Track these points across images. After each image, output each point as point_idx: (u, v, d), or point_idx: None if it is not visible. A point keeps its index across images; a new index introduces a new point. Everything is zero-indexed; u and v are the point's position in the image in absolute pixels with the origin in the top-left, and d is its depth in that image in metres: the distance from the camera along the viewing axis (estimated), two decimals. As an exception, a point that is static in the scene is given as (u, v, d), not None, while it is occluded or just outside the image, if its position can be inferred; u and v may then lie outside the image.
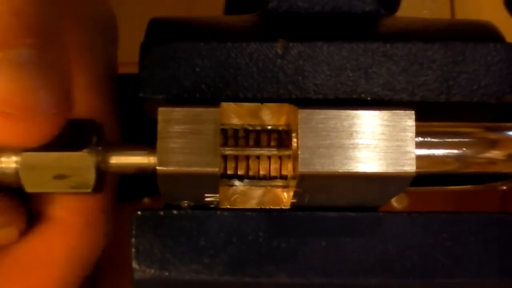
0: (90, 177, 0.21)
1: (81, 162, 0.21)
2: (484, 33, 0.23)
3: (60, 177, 0.21)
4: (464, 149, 0.22)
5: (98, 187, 0.22)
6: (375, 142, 0.20)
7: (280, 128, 0.22)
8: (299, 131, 0.20)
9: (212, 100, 0.21)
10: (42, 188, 0.21)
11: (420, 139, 0.22)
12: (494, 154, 0.23)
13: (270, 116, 0.22)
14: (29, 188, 0.21)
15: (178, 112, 0.20)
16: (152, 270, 0.22)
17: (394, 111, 0.20)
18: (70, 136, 0.21)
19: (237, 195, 0.22)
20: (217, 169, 0.20)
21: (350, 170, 0.20)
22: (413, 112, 0.20)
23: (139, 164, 0.22)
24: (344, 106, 0.20)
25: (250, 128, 0.22)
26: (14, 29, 0.19)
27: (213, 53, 0.22)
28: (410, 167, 0.20)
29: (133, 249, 0.22)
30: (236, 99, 0.22)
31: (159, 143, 0.20)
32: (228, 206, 0.22)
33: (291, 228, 0.22)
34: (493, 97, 0.22)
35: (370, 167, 0.20)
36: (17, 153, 0.21)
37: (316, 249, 0.22)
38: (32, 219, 0.24)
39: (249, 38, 0.22)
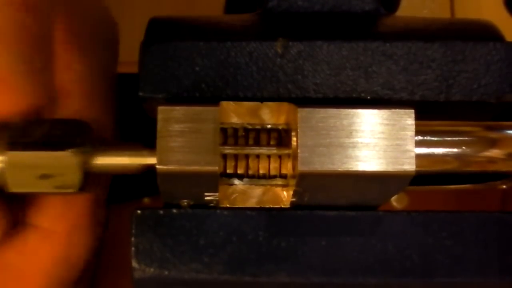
0: (75, 177, 0.21)
1: (65, 162, 0.21)
2: (483, 33, 0.23)
3: (45, 176, 0.21)
4: (464, 148, 0.22)
5: (84, 187, 0.21)
6: (374, 141, 0.20)
7: (280, 127, 0.22)
8: (298, 130, 0.20)
9: (212, 99, 0.21)
10: (27, 188, 0.21)
11: (420, 138, 0.22)
12: (494, 153, 0.23)
13: (270, 115, 0.22)
14: (14, 188, 0.21)
15: (178, 111, 0.20)
16: (152, 269, 0.22)
17: (393, 110, 0.20)
18: (56, 135, 0.21)
19: (237, 194, 0.22)
20: (216, 168, 0.20)
21: (350, 169, 0.20)
22: (412, 111, 0.20)
23: (126, 165, 0.22)
24: (344, 105, 0.20)
25: (250, 127, 0.22)
26: None
27: (213, 52, 0.22)
28: (409, 166, 0.20)
29: (133, 248, 0.22)
30: (235, 98, 0.22)
31: (159, 142, 0.20)
32: (228, 205, 0.22)
33: (290, 227, 0.22)
34: (492, 96, 0.22)
35: (369, 166, 0.20)
36: (2, 152, 0.21)
37: (315, 248, 0.22)
38: (16, 227, 0.24)
39: (249, 37, 0.22)
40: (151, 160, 0.21)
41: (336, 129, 0.20)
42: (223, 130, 0.21)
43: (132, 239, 0.22)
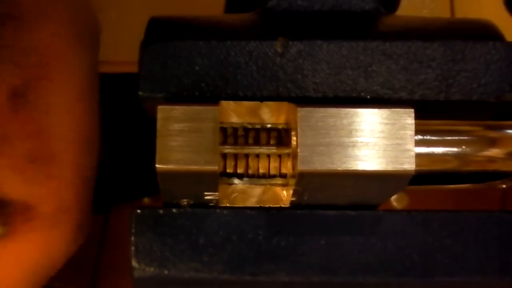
0: None
1: None
2: (483, 32, 0.23)
3: None
4: (464, 147, 0.22)
5: None
6: (374, 140, 0.20)
7: (280, 127, 0.22)
8: (298, 129, 0.20)
9: (212, 98, 0.21)
10: None
11: (420, 137, 0.22)
12: (494, 152, 0.23)
13: (270, 114, 0.22)
14: None
15: (178, 110, 0.20)
16: (152, 269, 0.22)
17: (393, 109, 0.20)
18: None
19: (237, 194, 0.22)
20: (216, 167, 0.20)
21: (350, 168, 0.20)
22: (412, 110, 0.20)
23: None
24: (344, 104, 0.20)
25: (250, 126, 0.22)
26: None
27: (213, 52, 0.22)
28: (409, 165, 0.20)
29: (133, 248, 0.22)
30: (235, 97, 0.22)
31: (159, 141, 0.20)
32: (228, 205, 0.22)
33: (290, 226, 0.22)
34: (492, 95, 0.22)
35: (369, 165, 0.20)
36: None
37: (315, 247, 0.22)
38: None
39: (249, 36, 0.22)
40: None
41: (336, 128, 0.20)
42: (223, 130, 0.21)
43: (132, 238, 0.22)
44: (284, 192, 0.22)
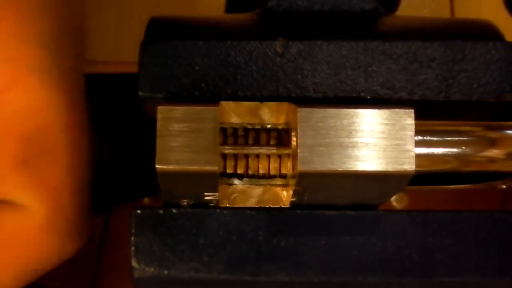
0: None
1: None
2: (483, 32, 0.23)
3: None
4: (464, 147, 0.22)
5: None
6: (374, 140, 0.20)
7: (280, 127, 0.22)
8: (298, 130, 0.20)
9: (212, 98, 0.21)
10: None
11: (420, 137, 0.22)
12: (494, 152, 0.23)
13: (270, 114, 0.22)
14: None
15: (178, 110, 0.20)
16: (152, 269, 0.22)
17: (393, 110, 0.20)
18: None
19: (237, 194, 0.22)
20: (216, 167, 0.20)
21: (349, 169, 0.20)
22: (412, 110, 0.20)
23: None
24: (344, 104, 0.20)
25: (250, 126, 0.22)
26: None
27: (213, 52, 0.22)
28: (409, 166, 0.20)
29: (133, 248, 0.22)
30: (235, 97, 0.22)
31: (159, 142, 0.20)
32: (228, 205, 0.22)
33: (290, 226, 0.22)
34: (492, 95, 0.22)
35: (369, 166, 0.20)
36: None
37: (315, 247, 0.22)
38: None
39: (249, 36, 0.22)
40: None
41: (336, 128, 0.20)
42: (223, 130, 0.21)
43: (132, 238, 0.22)
44: (284, 192, 0.22)
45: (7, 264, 0.24)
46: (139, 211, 0.22)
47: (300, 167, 0.20)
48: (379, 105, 0.20)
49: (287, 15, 0.23)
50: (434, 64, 0.22)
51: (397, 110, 0.20)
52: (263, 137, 0.22)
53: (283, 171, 0.22)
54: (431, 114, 0.22)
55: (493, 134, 0.23)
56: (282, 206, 0.22)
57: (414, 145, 0.20)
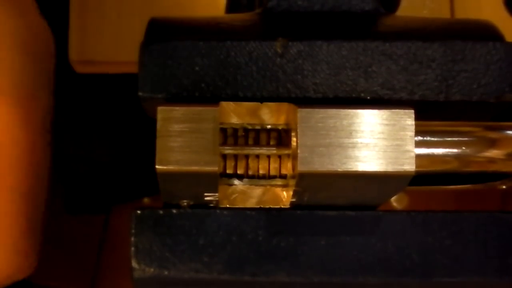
0: None
1: None
2: (483, 32, 0.23)
3: None
4: (464, 148, 0.22)
5: None
6: (374, 141, 0.20)
7: (280, 127, 0.22)
8: (298, 130, 0.20)
9: (212, 99, 0.21)
10: None
11: (420, 138, 0.22)
12: (494, 153, 0.23)
13: (270, 115, 0.22)
14: None
15: (178, 111, 0.20)
16: (152, 269, 0.22)
17: (393, 110, 0.20)
18: None
19: (237, 194, 0.22)
20: (216, 168, 0.20)
21: (350, 169, 0.20)
22: (412, 111, 0.20)
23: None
24: (344, 105, 0.20)
25: (250, 127, 0.22)
26: None
27: (213, 52, 0.22)
28: (409, 166, 0.20)
29: (133, 248, 0.22)
30: (235, 98, 0.22)
31: (159, 142, 0.20)
32: (228, 205, 0.22)
33: (290, 227, 0.22)
34: (492, 96, 0.22)
35: (369, 166, 0.20)
36: None
37: (315, 247, 0.22)
38: None
39: (249, 37, 0.22)
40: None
41: (336, 129, 0.20)
42: (223, 130, 0.21)
43: (132, 238, 0.22)
44: (284, 193, 0.22)
45: None
46: (139, 211, 0.22)
47: (300, 168, 0.20)
48: (379, 105, 0.20)
49: (287, 15, 0.23)
50: (434, 65, 0.22)
51: (397, 110, 0.20)
52: (263, 137, 0.22)
53: (283, 171, 0.22)
54: (431, 114, 0.22)
55: (493, 135, 0.23)
56: (282, 206, 0.22)
57: (414, 145, 0.20)
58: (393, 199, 0.32)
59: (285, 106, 0.21)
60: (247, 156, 0.22)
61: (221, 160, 0.21)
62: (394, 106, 0.20)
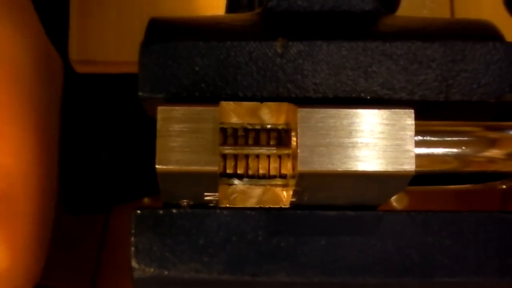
0: None
1: None
2: (483, 32, 0.23)
3: None
4: (464, 148, 0.22)
5: None
6: (374, 141, 0.20)
7: (280, 127, 0.22)
8: (298, 130, 0.20)
9: (212, 99, 0.21)
10: None
11: (420, 138, 0.22)
12: (494, 153, 0.23)
13: (270, 115, 0.22)
14: None
15: (178, 111, 0.20)
16: (152, 269, 0.22)
17: (393, 110, 0.20)
18: None
19: (237, 194, 0.22)
20: (216, 168, 0.20)
21: (349, 169, 0.20)
22: (412, 111, 0.20)
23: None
24: (344, 105, 0.20)
25: (250, 127, 0.22)
26: None
27: (213, 52, 0.22)
28: (409, 166, 0.20)
29: (132, 248, 0.22)
30: (235, 98, 0.22)
31: (159, 142, 0.20)
32: (228, 205, 0.22)
33: (290, 226, 0.22)
34: (492, 96, 0.22)
35: (369, 166, 0.20)
36: None
37: (315, 247, 0.22)
38: None
39: (249, 37, 0.22)
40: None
41: (336, 129, 0.20)
42: (223, 130, 0.21)
43: (132, 238, 0.22)
44: (284, 192, 0.22)
45: None
46: (139, 211, 0.22)
47: (300, 167, 0.20)
48: (379, 105, 0.20)
49: (287, 15, 0.23)
50: (434, 65, 0.22)
51: (397, 110, 0.20)
52: (263, 137, 0.22)
53: (283, 171, 0.22)
54: (431, 114, 0.22)
55: (493, 134, 0.23)
56: (282, 206, 0.22)
57: (414, 145, 0.20)
58: (393, 199, 0.32)
59: (285, 106, 0.21)
60: (247, 156, 0.22)
61: (221, 160, 0.21)
62: (394, 106, 0.20)
